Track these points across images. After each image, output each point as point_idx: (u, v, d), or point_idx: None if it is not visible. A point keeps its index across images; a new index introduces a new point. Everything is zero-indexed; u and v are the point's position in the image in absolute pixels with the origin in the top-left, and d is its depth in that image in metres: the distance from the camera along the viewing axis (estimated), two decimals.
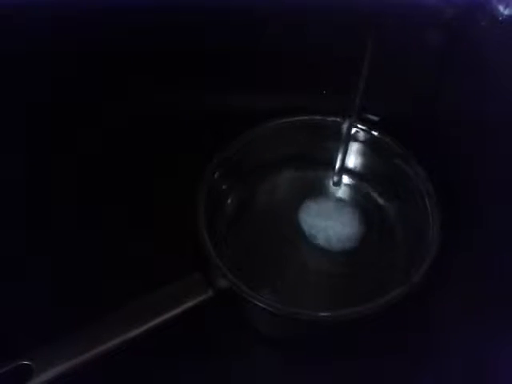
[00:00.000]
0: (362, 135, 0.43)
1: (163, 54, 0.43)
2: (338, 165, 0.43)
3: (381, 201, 0.45)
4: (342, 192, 0.45)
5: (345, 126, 0.40)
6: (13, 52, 0.39)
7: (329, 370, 0.37)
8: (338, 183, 0.45)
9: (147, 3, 0.41)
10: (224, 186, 0.43)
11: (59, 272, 0.40)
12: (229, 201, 0.44)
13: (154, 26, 0.42)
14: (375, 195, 0.45)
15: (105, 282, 0.39)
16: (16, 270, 0.39)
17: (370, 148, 0.44)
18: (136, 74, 0.44)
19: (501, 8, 0.38)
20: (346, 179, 0.45)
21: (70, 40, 0.41)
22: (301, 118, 0.44)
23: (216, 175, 0.41)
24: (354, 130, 0.42)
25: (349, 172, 0.45)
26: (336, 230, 0.42)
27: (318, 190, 0.45)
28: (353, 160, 0.45)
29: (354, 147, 0.44)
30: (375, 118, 0.44)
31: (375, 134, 0.43)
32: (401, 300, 0.35)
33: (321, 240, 0.41)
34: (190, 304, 0.35)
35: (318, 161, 0.45)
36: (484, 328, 0.35)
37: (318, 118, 0.44)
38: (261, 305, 0.34)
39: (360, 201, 0.45)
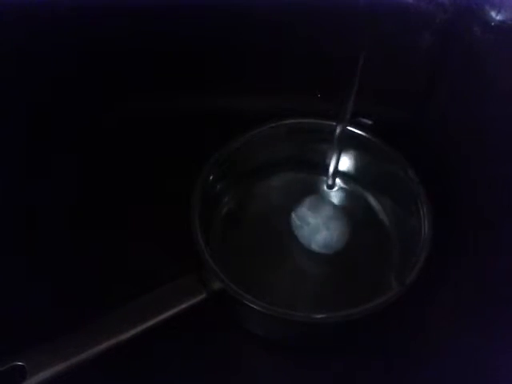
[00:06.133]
0: (355, 138, 0.43)
1: (162, 55, 0.43)
2: (331, 168, 0.43)
3: (374, 203, 0.45)
4: (335, 195, 0.45)
5: (338, 129, 0.41)
6: (13, 52, 0.39)
7: (324, 371, 0.38)
8: (332, 186, 0.45)
9: (148, 3, 0.41)
10: (219, 188, 0.43)
11: (54, 272, 0.40)
12: (223, 202, 0.44)
13: (154, 27, 0.42)
14: (368, 197, 0.45)
15: (99, 284, 0.39)
16: (13, 271, 0.39)
17: (363, 151, 0.44)
18: (135, 75, 0.45)
19: (493, 13, 0.38)
20: (339, 182, 0.45)
21: (70, 40, 0.41)
22: (295, 120, 0.44)
23: (211, 177, 0.41)
24: (347, 133, 0.42)
25: (342, 175, 0.45)
26: (330, 232, 0.42)
27: (311, 193, 0.45)
28: (346, 163, 0.45)
29: (348, 150, 0.44)
30: (368, 122, 0.44)
31: (368, 136, 0.43)
32: (394, 301, 0.35)
33: (315, 242, 0.41)
34: (184, 305, 0.35)
35: (312, 164, 0.45)
36: (482, 328, 0.36)
37: (312, 120, 0.44)
38: (254, 306, 0.34)
39: (353, 203, 0.45)
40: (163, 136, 0.46)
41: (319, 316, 0.35)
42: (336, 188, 0.45)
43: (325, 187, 0.45)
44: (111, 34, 0.42)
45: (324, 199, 0.44)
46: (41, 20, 0.40)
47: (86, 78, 0.44)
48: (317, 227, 0.41)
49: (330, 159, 0.43)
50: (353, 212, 0.43)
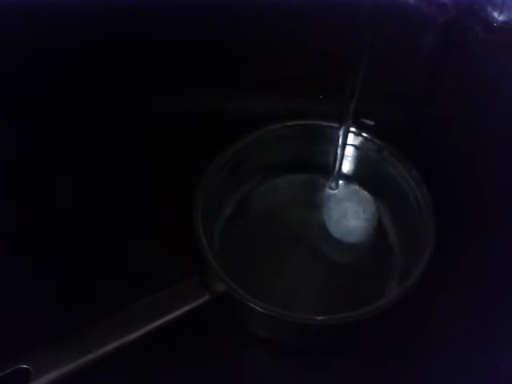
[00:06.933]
0: (358, 140, 0.44)
1: (163, 55, 0.43)
2: (334, 168, 0.44)
3: (377, 204, 0.45)
4: (338, 196, 0.45)
5: (341, 131, 0.41)
6: (13, 52, 0.39)
7: (325, 372, 0.38)
8: (335, 187, 0.45)
9: (148, 4, 0.41)
10: (221, 189, 0.42)
11: (58, 275, 0.40)
12: (227, 204, 0.44)
13: (155, 27, 0.42)
14: (371, 198, 0.45)
15: (103, 286, 0.39)
16: (14, 272, 0.38)
17: (366, 152, 0.44)
18: (136, 76, 0.44)
19: (495, 14, 0.38)
20: (342, 183, 0.46)
21: (70, 40, 0.41)
22: (298, 122, 0.44)
23: (214, 178, 0.41)
24: (350, 135, 0.42)
25: (345, 176, 0.45)
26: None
27: (314, 194, 0.45)
28: (349, 164, 0.45)
29: (351, 151, 0.44)
30: (370, 122, 0.44)
31: (371, 138, 0.43)
32: (396, 303, 0.35)
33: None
34: (187, 307, 0.35)
35: (315, 165, 0.46)
36: (482, 328, 0.36)
37: (315, 122, 0.44)
38: (258, 308, 0.34)
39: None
40: (164, 137, 0.46)
41: (321, 318, 0.35)
42: (338, 189, 0.45)
43: (327, 188, 0.45)
44: (111, 34, 0.42)
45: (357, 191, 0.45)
46: (41, 20, 0.40)
47: (86, 78, 0.43)
48: (347, 213, 0.42)
49: (333, 160, 0.43)
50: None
